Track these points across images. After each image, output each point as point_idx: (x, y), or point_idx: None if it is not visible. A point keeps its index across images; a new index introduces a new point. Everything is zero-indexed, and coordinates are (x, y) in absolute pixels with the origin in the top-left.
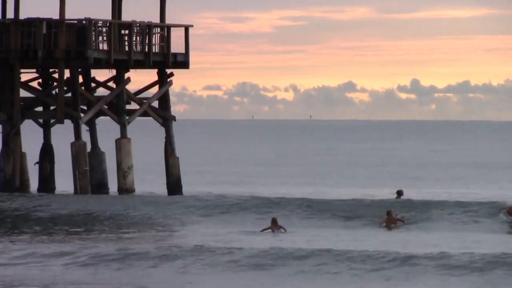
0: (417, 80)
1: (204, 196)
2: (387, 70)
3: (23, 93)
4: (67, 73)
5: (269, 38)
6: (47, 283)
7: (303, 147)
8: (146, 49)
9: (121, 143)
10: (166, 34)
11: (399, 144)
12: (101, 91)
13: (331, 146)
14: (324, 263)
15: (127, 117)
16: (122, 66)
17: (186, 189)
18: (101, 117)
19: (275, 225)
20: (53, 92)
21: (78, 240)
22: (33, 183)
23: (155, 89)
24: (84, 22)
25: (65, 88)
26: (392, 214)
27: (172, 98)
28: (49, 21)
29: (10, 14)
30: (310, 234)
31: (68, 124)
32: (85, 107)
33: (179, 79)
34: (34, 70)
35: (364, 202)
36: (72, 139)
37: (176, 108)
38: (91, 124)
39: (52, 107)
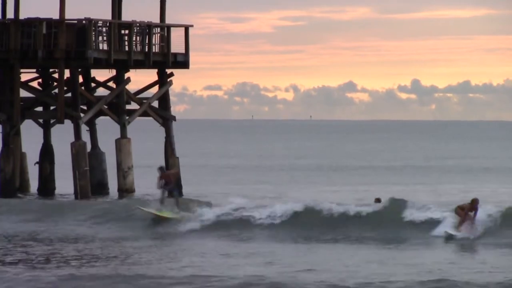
0: (418, 80)
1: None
2: (388, 70)
3: (23, 93)
4: (67, 73)
5: (269, 38)
6: None
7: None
8: (146, 49)
9: (121, 143)
10: (166, 34)
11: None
12: (101, 91)
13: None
14: None
15: (127, 117)
16: (122, 66)
17: (186, 189)
18: (101, 117)
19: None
20: (53, 92)
21: None
22: (33, 184)
23: (155, 89)
24: (84, 22)
25: (65, 88)
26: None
27: (172, 98)
28: (49, 21)
29: (10, 14)
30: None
31: (68, 124)
32: (85, 107)
33: (179, 79)
34: (34, 70)
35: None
36: (72, 139)
37: (176, 108)
38: (91, 124)
39: (52, 107)
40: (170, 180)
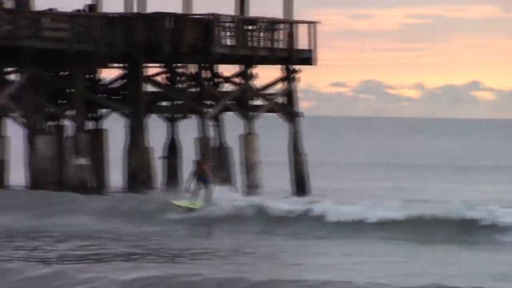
0: None
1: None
2: None
3: (149, 88)
4: (193, 68)
5: (394, 35)
6: None
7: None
8: (272, 45)
9: (247, 139)
10: (292, 30)
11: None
12: (227, 87)
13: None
14: None
15: (253, 113)
16: (247, 61)
17: (314, 185)
18: (227, 113)
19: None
20: (179, 87)
21: None
22: (160, 178)
23: (282, 85)
24: (209, 17)
25: (190, 83)
26: None
27: (298, 94)
28: (175, 16)
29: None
30: None
31: (193, 119)
32: (211, 102)
33: (304, 75)
34: (160, 65)
35: None
36: (198, 134)
37: (302, 105)
38: (217, 120)
39: (177, 102)
40: (203, 173)
